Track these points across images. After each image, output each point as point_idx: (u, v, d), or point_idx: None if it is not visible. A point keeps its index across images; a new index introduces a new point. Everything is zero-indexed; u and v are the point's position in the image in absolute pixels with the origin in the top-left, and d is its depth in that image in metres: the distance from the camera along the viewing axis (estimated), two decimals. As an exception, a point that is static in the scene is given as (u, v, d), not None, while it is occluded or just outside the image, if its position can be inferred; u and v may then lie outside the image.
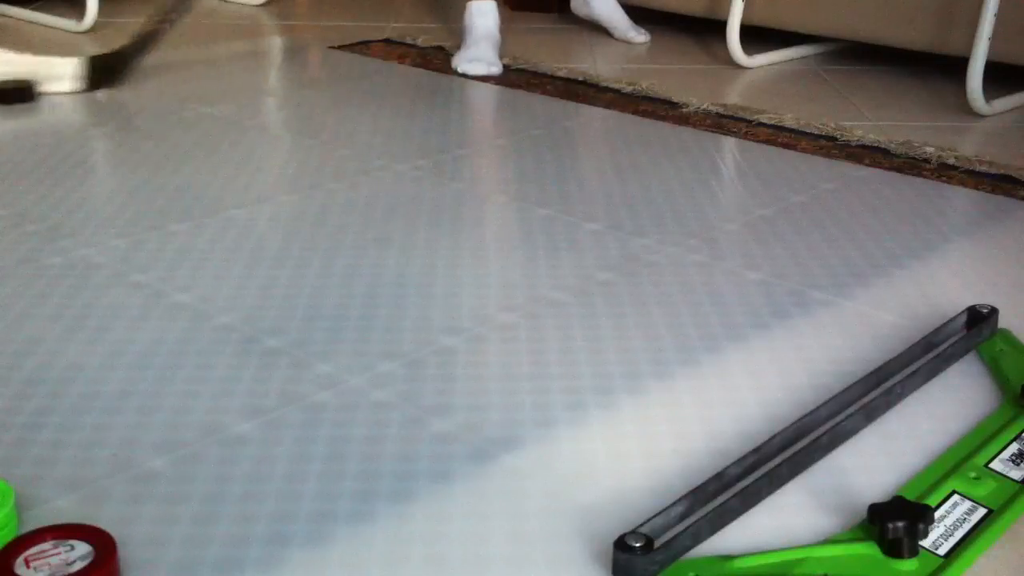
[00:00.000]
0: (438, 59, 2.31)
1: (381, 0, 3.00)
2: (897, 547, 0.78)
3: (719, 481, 0.85)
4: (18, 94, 1.85)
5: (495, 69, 2.18)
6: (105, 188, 1.51)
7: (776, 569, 0.77)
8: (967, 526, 0.82)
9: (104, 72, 1.89)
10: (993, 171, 1.67)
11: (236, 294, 1.20)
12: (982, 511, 0.84)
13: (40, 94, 1.84)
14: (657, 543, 0.77)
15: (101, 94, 1.87)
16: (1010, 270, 1.30)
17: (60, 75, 1.87)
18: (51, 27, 2.52)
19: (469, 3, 2.29)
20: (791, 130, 1.87)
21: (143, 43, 1.93)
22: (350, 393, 1.00)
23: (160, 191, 1.50)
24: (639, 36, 2.54)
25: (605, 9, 2.58)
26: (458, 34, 2.34)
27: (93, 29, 2.47)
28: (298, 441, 0.93)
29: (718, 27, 2.41)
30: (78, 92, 1.86)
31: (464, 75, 2.17)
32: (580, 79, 2.17)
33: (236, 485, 0.87)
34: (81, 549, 0.76)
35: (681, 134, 1.82)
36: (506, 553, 0.80)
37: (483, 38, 2.25)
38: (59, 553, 0.75)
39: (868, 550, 0.79)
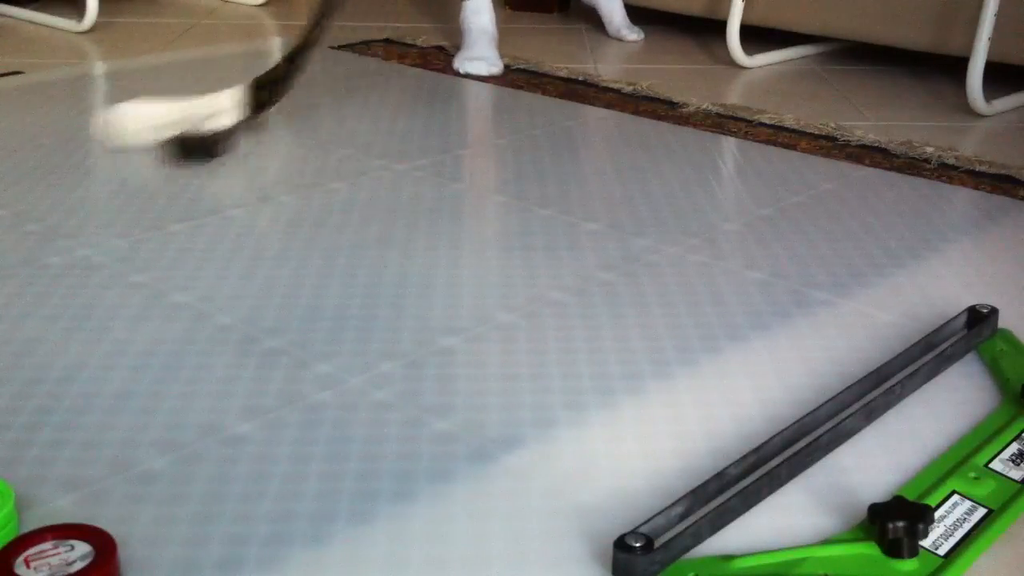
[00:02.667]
0: (438, 59, 2.31)
1: (381, 0, 2.99)
2: (897, 547, 0.78)
3: (719, 481, 0.85)
4: (202, 149, 1.65)
5: (496, 69, 2.18)
6: (105, 188, 1.51)
7: (776, 569, 0.77)
8: (967, 526, 0.82)
9: (264, 93, 1.73)
10: (993, 171, 1.67)
11: (236, 294, 1.20)
12: (982, 511, 0.84)
13: (225, 148, 1.67)
14: (657, 543, 0.77)
15: (263, 115, 1.73)
16: (1010, 270, 1.30)
17: (222, 109, 1.68)
18: (51, 27, 2.52)
19: (464, 2, 2.29)
20: (791, 130, 1.87)
21: (299, 56, 1.80)
22: (350, 393, 1.00)
23: (160, 191, 1.50)
24: (631, 34, 2.55)
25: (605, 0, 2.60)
26: (458, 34, 2.34)
27: (93, 29, 2.47)
28: (298, 441, 0.93)
29: (718, 27, 2.41)
30: (244, 121, 1.69)
31: (466, 75, 2.17)
32: (580, 79, 2.17)
33: (236, 485, 0.87)
34: (81, 549, 0.76)
35: (681, 134, 1.82)
36: (506, 553, 0.80)
37: (481, 37, 2.25)
38: (59, 553, 0.75)
39: (868, 550, 0.79)
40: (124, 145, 1.49)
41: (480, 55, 2.20)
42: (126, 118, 1.50)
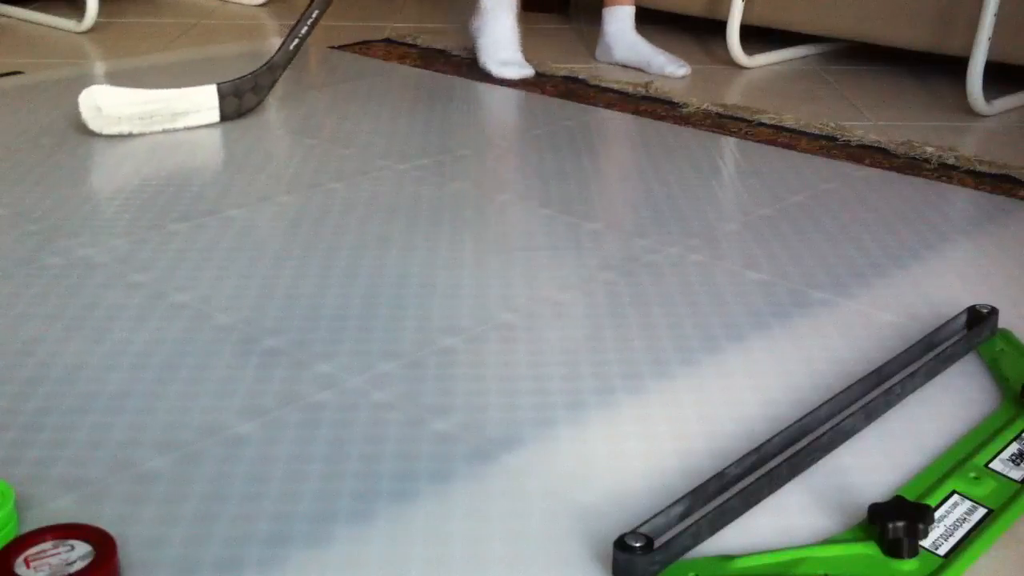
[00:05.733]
0: (439, 60, 2.31)
1: (381, 0, 3.00)
2: (897, 547, 0.78)
3: (719, 481, 0.85)
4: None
5: (527, 71, 2.15)
6: (105, 188, 1.51)
7: (776, 569, 0.77)
8: (967, 526, 0.82)
9: (238, 97, 1.72)
10: (993, 171, 1.67)
11: (236, 294, 1.20)
12: (982, 511, 0.84)
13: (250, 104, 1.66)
14: (657, 543, 0.77)
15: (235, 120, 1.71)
16: (1010, 270, 1.30)
17: (198, 107, 1.70)
18: (51, 27, 2.52)
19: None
20: (791, 130, 1.87)
21: (281, 62, 1.77)
22: (350, 393, 1.00)
23: (160, 191, 1.50)
24: (679, 69, 2.24)
25: (630, 53, 2.31)
26: (458, 34, 2.34)
27: (93, 29, 2.47)
28: (298, 441, 0.93)
29: (718, 27, 2.41)
30: (216, 123, 1.69)
31: (501, 79, 2.13)
32: (580, 79, 2.17)
33: (236, 485, 0.87)
34: (81, 549, 0.76)
35: (681, 134, 1.82)
36: (506, 553, 0.80)
37: (506, 33, 2.19)
38: (59, 553, 0.75)
39: (868, 550, 0.79)
40: (100, 125, 1.52)
41: (512, 58, 2.16)
42: (101, 98, 1.53)
